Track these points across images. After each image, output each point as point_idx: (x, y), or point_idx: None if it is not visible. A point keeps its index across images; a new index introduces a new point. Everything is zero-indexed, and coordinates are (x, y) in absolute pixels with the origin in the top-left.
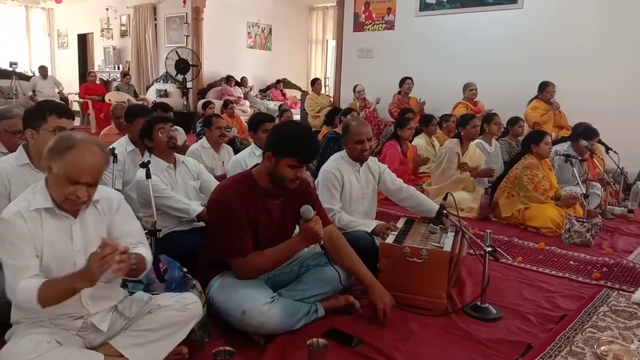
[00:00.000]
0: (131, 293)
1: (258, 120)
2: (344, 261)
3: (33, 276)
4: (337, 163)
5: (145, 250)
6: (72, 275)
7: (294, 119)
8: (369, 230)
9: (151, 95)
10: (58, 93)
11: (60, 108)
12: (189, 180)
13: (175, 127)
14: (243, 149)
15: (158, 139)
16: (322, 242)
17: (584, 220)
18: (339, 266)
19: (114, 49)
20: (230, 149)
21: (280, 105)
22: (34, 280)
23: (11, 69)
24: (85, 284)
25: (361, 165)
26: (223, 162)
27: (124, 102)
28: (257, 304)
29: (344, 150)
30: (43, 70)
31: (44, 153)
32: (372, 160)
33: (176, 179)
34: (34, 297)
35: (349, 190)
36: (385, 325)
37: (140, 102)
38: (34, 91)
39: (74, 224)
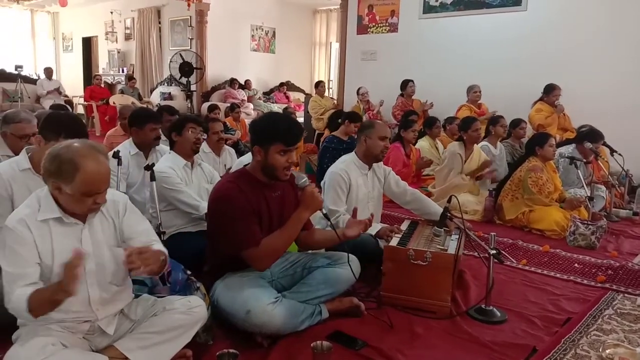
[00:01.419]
0: (136, 295)
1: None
2: (323, 241)
3: (29, 285)
4: (345, 165)
5: (160, 247)
6: (51, 286)
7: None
8: (373, 233)
9: (155, 98)
10: (64, 96)
11: (76, 132)
12: (203, 182)
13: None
14: (247, 152)
15: (187, 136)
16: (325, 211)
17: (589, 222)
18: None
19: (119, 52)
20: (232, 151)
21: (286, 108)
22: (27, 289)
23: (16, 72)
24: (63, 294)
25: (370, 167)
26: (225, 165)
27: (132, 104)
28: (261, 303)
29: (354, 152)
30: (49, 71)
31: (42, 172)
32: (378, 165)
33: (192, 178)
34: (25, 306)
35: (355, 193)
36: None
37: (144, 105)
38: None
39: (83, 229)
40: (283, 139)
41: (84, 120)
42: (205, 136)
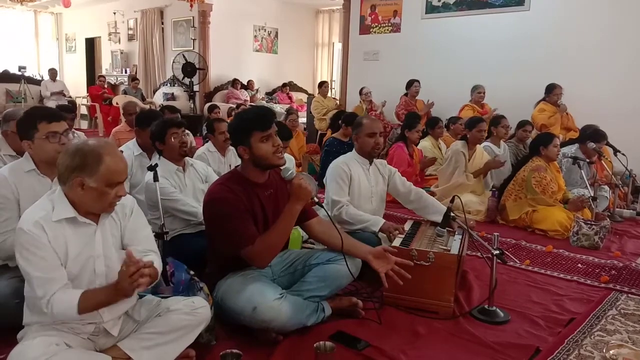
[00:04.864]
0: (140, 296)
1: None
2: (334, 243)
3: (64, 286)
4: (346, 159)
5: (156, 258)
6: (109, 290)
7: (300, 122)
8: (377, 229)
9: (158, 99)
10: (67, 97)
11: (49, 113)
12: (197, 183)
13: (187, 131)
14: None
15: (170, 143)
16: (318, 200)
17: (592, 223)
18: (331, 247)
19: (122, 53)
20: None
21: (289, 109)
22: (71, 292)
23: (20, 73)
24: (121, 298)
25: (371, 163)
26: (230, 165)
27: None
28: (267, 299)
29: (354, 150)
30: (52, 72)
31: (62, 171)
32: (382, 163)
33: (185, 182)
34: (75, 309)
35: (357, 186)
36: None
37: (148, 106)
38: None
39: (97, 229)
40: (256, 125)
41: (87, 121)
42: (190, 134)
